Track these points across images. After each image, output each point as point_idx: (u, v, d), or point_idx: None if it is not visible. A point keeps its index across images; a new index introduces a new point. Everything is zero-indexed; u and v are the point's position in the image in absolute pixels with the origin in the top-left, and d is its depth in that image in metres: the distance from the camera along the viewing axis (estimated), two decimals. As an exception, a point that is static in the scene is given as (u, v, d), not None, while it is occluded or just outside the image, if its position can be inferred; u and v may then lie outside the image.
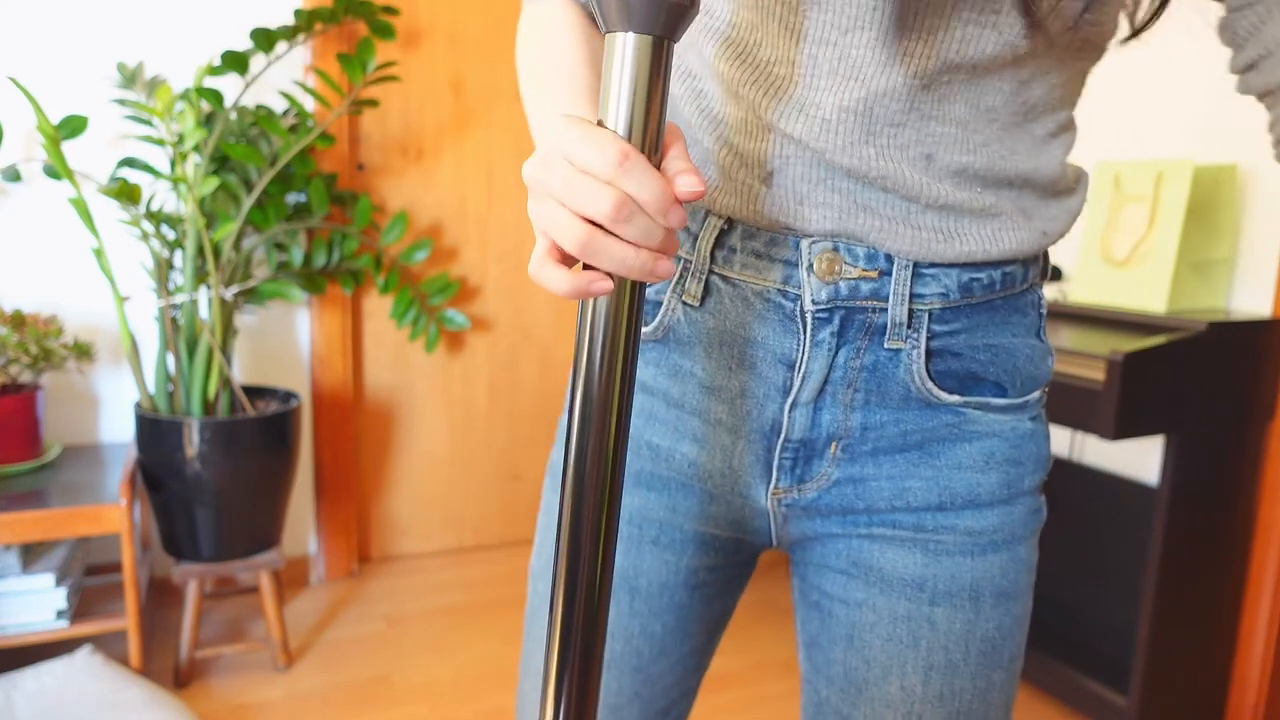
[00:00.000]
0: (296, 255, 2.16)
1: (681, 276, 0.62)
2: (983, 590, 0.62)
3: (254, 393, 2.09)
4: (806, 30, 0.54)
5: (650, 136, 0.47)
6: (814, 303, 0.57)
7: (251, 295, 2.07)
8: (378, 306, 2.46)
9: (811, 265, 0.57)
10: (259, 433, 1.89)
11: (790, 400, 0.60)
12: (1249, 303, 1.66)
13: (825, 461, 0.61)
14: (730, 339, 0.60)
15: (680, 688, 0.72)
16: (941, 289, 0.58)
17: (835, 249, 0.57)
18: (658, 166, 0.47)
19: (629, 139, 0.46)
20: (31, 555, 1.80)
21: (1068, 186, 0.62)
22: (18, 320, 1.85)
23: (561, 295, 0.48)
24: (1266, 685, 1.65)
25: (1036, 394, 0.63)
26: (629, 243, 0.46)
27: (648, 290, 0.63)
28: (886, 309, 0.57)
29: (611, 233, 0.45)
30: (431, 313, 2.41)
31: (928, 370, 0.59)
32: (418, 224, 2.48)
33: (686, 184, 0.46)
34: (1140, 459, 1.86)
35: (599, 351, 0.49)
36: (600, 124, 0.47)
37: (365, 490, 2.56)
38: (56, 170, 1.87)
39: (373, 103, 2.11)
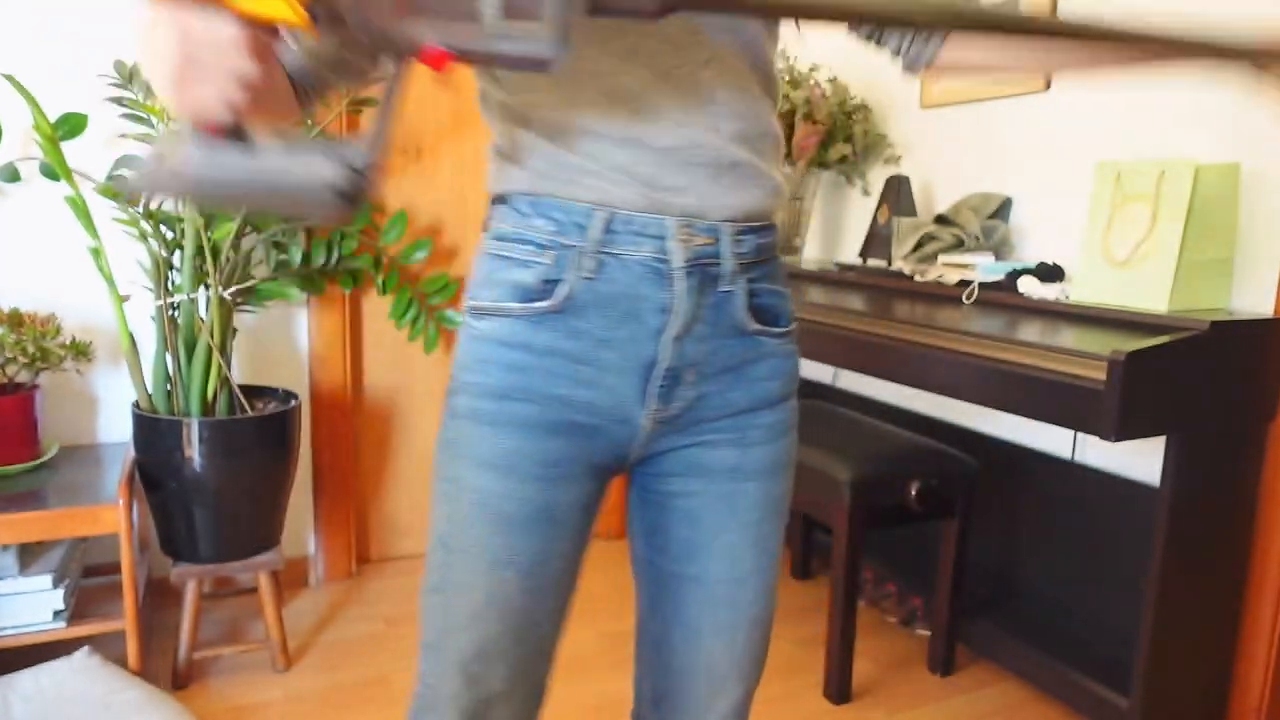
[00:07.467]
0: (295, 255, 2.15)
1: (579, 258, 0.80)
2: (776, 465, 0.91)
3: (252, 392, 2.08)
4: (666, 71, 0.79)
5: None
6: (683, 262, 0.81)
7: (250, 295, 2.07)
8: (377, 306, 2.46)
9: (675, 237, 0.80)
10: (257, 433, 1.89)
11: (664, 337, 0.82)
12: (1251, 302, 1.66)
13: (684, 385, 0.85)
14: (619, 298, 0.81)
15: (569, 595, 0.92)
16: (748, 249, 0.85)
17: (689, 225, 0.81)
18: None
19: None
20: (29, 556, 1.80)
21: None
22: (15, 320, 1.84)
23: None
24: (1270, 686, 1.64)
25: (794, 326, 0.92)
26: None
27: (545, 271, 0.81)
28: (720, 264, 0.83)
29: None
30: (430, 312, 2.41)
31: (749, 306, 0.86)
32: (417, 223, 2.47)
33: None
34: (1142, 459, 1.85)
35: None
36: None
37: (364, 491, 2.55)
38: (54, 169, 1.87)
39: (372, 102, 2.11)
